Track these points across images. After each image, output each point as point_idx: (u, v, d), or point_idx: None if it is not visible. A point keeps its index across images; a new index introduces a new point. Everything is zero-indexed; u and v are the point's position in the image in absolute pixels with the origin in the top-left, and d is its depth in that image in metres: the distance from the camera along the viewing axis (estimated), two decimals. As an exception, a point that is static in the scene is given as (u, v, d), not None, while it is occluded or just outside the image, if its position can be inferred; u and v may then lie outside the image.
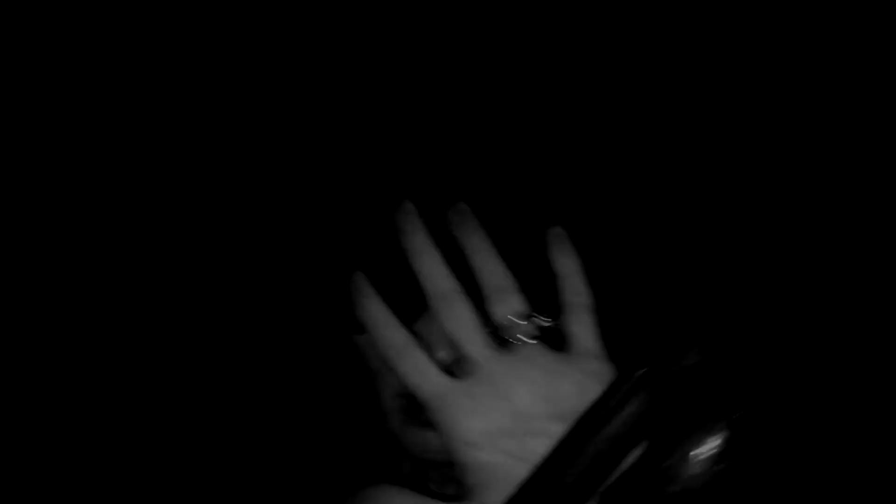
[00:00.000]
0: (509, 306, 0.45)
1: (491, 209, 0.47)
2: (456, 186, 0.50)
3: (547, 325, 0.45)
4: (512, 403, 0.43)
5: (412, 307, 0.48)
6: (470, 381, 0.44)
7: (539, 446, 0.43)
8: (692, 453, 0.39)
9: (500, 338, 0.45)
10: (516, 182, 0.52)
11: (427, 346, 0.46)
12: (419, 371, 0.45)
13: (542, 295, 0.45)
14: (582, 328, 0.45)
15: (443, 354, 0.49)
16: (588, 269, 0.46)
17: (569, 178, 0.54)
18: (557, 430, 0.43)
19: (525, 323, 0.44)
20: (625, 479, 0.41)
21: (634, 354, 0.42)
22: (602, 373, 0.44)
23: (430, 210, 0.46)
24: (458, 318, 0.44)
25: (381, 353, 0.46)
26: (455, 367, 0.45)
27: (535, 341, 0.44)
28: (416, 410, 0.57)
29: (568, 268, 0.46)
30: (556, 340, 0.45)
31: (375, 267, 0.47)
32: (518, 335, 0.44)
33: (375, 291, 0.46)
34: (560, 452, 0.41)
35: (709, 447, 0.39)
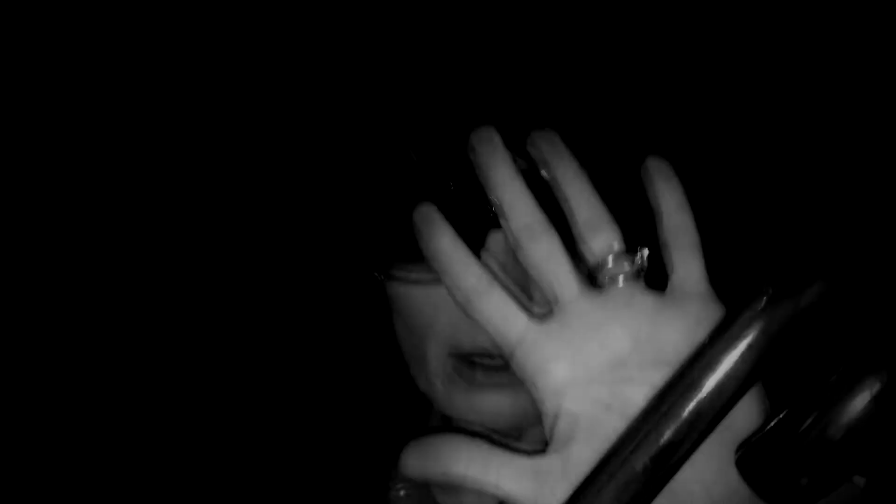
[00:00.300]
0: (604, 241, 0.40)
1: (583, 134, 0.41)
2: (543, 109, 0.45)
3: (647, 263, 0.40)
4: (606, 348, 0.39)
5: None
6: (559, 323, 0.40)
7: (635, 395, 0.38)
8: (829, 407, 0.34)
9: (593, 277, 0.40)
10: (610, 103, 0.47)
11: (510, 287, 0.41)
12: (502, 313, 0.40)
13: (642, 229, 0.40)
14: (687, 266, 0.40)
15: (529, 295, 0.45)
16: (693, 198, 0.40)
17: (667, 97, 0.49)
18: (657, 378, 0.38)
19: (621, 260, 0.40)
20: (759, 438, 0.37)
21: (747, 291, 0.37)
22: (710, 315, 0.39)
23: (513, 135, 0.41)
24: (546, 254, 0.40)
25: (456, 296, 0.41)
26: (542, 310, 0.41)
27: (633, 281, 0.40)
28: (468, 373, 0.53)
29: (671, 200, 0.41)
30: (657, 280, 0.40)
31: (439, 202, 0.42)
32: (614, 274, 0.40)
33: (447, 223, 0.41)
34: (659, 405, 0.37)
35: (852, 397, 0.34)
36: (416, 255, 0.52)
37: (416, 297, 0.54)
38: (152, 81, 0.90)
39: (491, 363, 0.52)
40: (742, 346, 0.35)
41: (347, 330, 0.70)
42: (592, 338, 0.39)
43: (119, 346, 0.90)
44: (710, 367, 0.36)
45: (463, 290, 0.40)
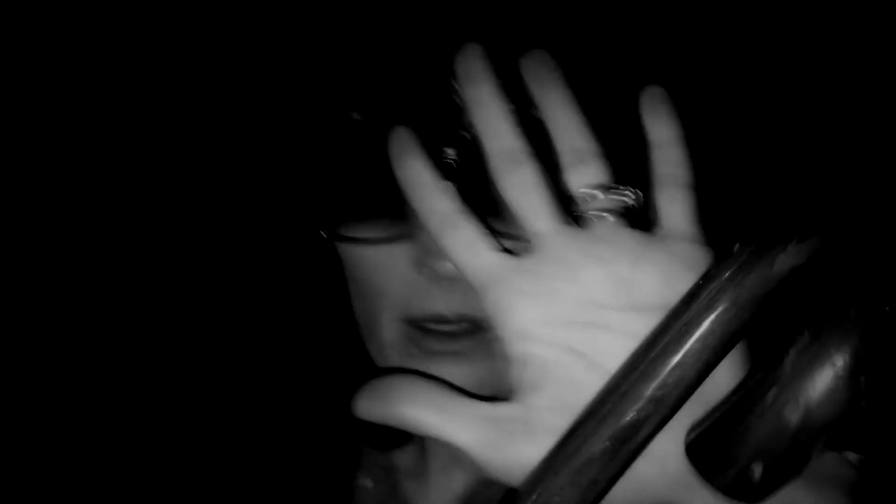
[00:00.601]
0: (588, 174, 0.37)
1: (576, 59, 0.39)
2: (535, 28, 0.42)
3: (632, 200, 0.37)
4: (580, 288, 0.35)
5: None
6: (532, 259, 0.36)
7: (610, 343, 0.35)
8: (813, 372, 0.31)
9: (573, 211, 0.37)
10: (606, 26, 0.44)
11: (481, 219, 0.38)
12: (473, 245, 0.37)
13: (630, 164, 0.37)
14: (673, 206, 0.37)
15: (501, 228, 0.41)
16: (689, 136, 0.37)
17: (670, 26, 0.46)
18: (635, 325, 0.34)
19: (605, 195, 0.36)
20: (722, 412, 0.33)
21: (731, 242, 0.33)
22: (694, 259, 0.36)
23: (500, 57, 0.38)
24: (523, 184, 0.36)
25: (427, 226, 0.38)
26: (515, 243, 0.37)
27: (615, 218, 0.36)
28: (422, 341, 0.50)
29: (664, 134, 0.38)
30: (642, 219, 0.37)
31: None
32: (595, 209, 0.36)
33: (422, 150, 0.38)
34: (620, 383, 0.33)
35: (836, 362, 0.30)
36: (367, 214, 0.50)
37: (368, 258, 0.51)
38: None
39: (446, 330, 0.49)
40: (710, 317, 0.32)
41: (306, 316, 0.67)
42: (567, 276, 0.36)
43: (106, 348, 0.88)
44: (676, 341, 0.32)
45: (435, 217, 0.37)
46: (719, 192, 0.38)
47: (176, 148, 0.84)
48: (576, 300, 0.35)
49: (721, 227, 0.36)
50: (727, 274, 0.32)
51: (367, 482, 0.66)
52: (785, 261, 0.31)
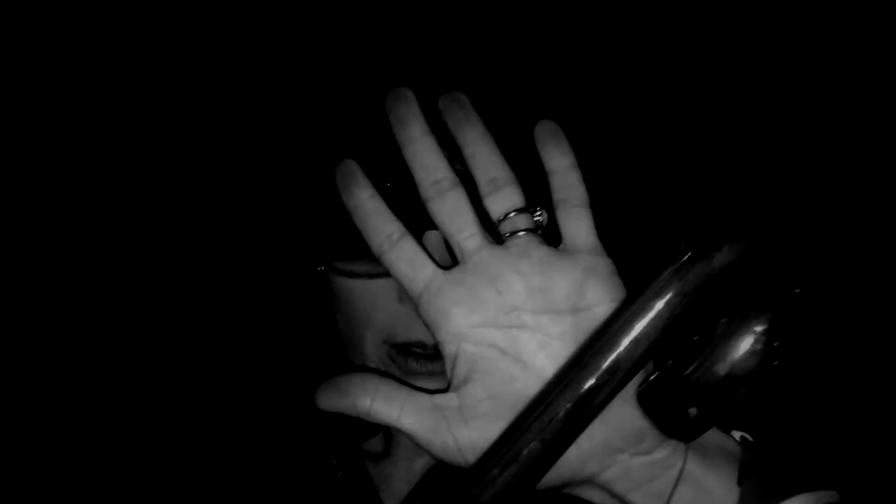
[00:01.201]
0: (506, 199, 0.43)
1: (490, 99, 0.45)
2: (454, 74, 0.48)
3: (542, 219, 0.43)
4: (503, 296, 0.42)
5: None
6: (462, 272, 0.43)
7: (529, 341, 0.41)
8: (737, 336, 0.38)
9: (494, 231, 0.43)
10: (517, 71, 0.50)
11: (419, 239, 0.44)
12: (411, 262, 0.43)
13: (541, 188, 0.43)
14: (576, 222, 0.43)
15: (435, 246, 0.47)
16: (587, 159, 0.43)
17: (570, 65, 0.52)
18: (549, 326, 0.41)
19: (520, 217, 0.43)
20: (656, 375, 0.40)
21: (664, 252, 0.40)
22: (599, 268, 0.42)
23: (426, 98, 0.44)
24: (452, 209, 0.43)
25: (372, 245, 0.44)
26: (447, 260, 0.43)
27: (529, 235, 0.43)
28: (402, 361, 0.55)
29: (561, 161, 0.44)
30: (553, 236, 0.43)
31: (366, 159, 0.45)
32: (513, 229, 0.43)
33: (366, 178, 0.44)
34: (582, 355, 0.40)
35: (755, 329, 0.38)
36: (357, 251, 0.56)
37: (356, 289, 0.57)
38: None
39: (424, 353, 0.55)
40: (659, 303, 0.39)
41: (289, 319, 0.71)
42: (490, 286, 0.42)
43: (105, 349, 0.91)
44: (630, 322, 0.39)
45: (378, 239, 0.43)
46: (671, 200, 0.44)
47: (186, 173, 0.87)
48: (498, 305, 0.42)
49: (671, 229, 0.42)
50: (674, 268, 0.39)
51: (336, 466, 0.71)
52: (721, 258, 0.38)
